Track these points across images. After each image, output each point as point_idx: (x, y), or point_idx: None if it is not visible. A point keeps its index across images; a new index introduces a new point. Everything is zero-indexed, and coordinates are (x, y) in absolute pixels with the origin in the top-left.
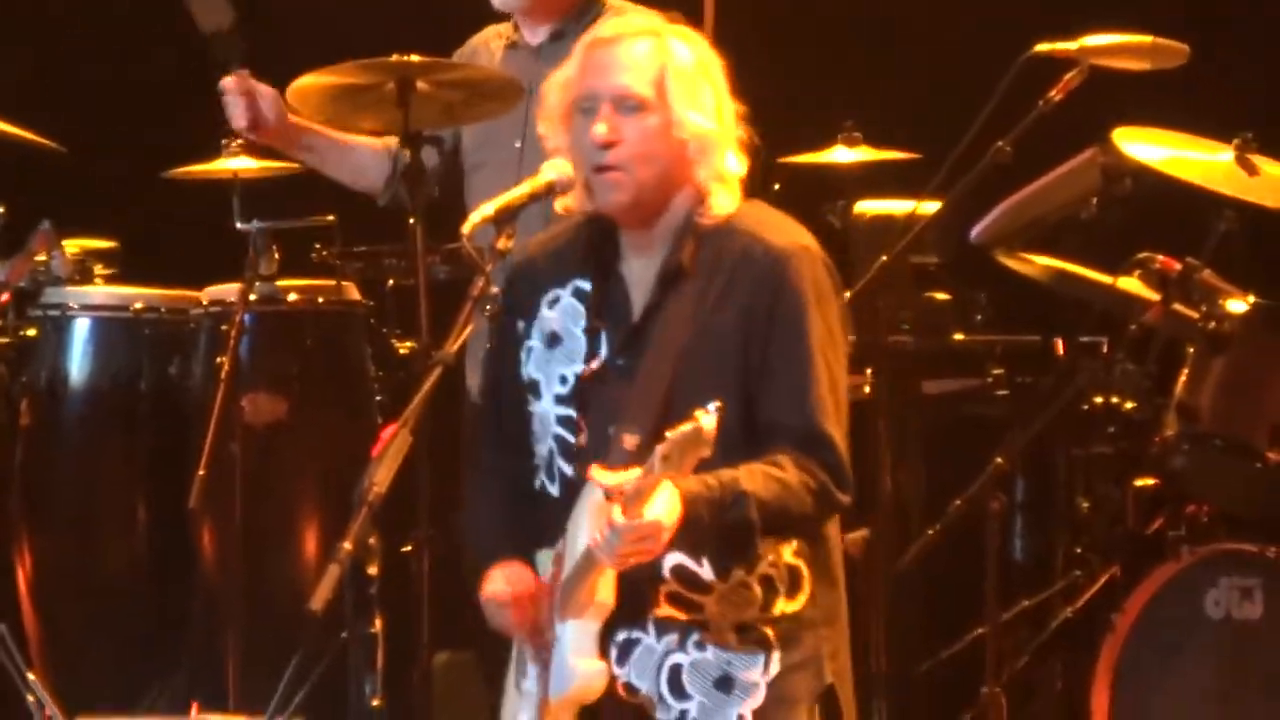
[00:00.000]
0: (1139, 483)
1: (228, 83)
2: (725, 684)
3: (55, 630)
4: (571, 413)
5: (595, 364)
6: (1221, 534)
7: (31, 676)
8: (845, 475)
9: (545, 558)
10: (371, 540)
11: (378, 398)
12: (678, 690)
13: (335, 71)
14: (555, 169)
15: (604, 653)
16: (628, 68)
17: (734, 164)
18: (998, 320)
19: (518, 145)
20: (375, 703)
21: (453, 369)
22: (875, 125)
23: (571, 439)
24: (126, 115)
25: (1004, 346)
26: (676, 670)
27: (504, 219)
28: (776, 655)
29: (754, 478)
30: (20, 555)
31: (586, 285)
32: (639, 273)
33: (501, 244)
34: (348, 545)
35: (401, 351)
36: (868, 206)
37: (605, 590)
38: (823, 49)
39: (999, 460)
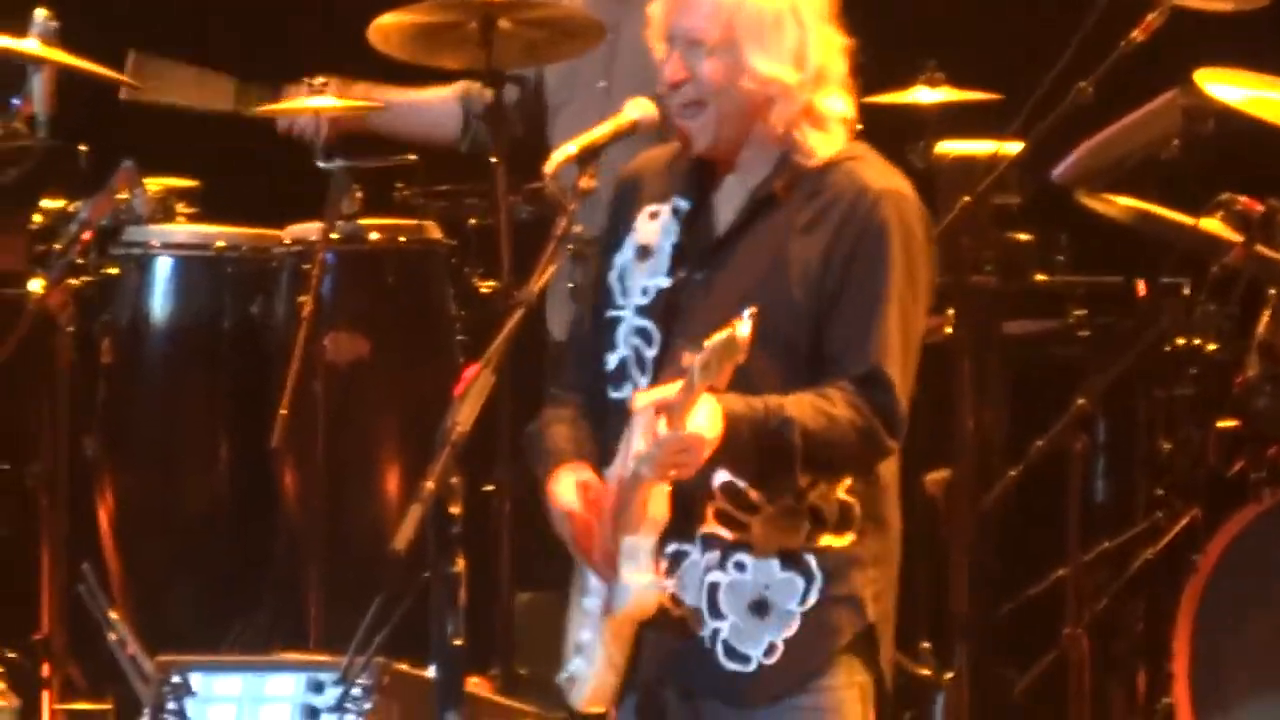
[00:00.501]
0: (1220, 424)
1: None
2: (760, 608)
3: (137, 569)
4: (648, 324)
5: (676, 278)
6: None
7: (113, 614)
8: (896, 419)
9: (610, 473)
10: (454, 480)
11: (459, 337)
12: (714, 608)
13: (416, 10)
14: (639, 108)
15: (657, 563)
16: (699, 7)
17: (832, 104)
18: (1079, 261)
19: (602, 85)
20: (457, 642)
21: (535, 309)
22: (957, 65)
23: (645, 350)
24: (209, 53)
25: (1086, 287)
26: (714, 588)
27: (587, 158)
28: (817, 586)
29: (801, 405)
30: (102, 494)
31: (682, 203)
32: (733, 194)
33: (585, 183)
34: (430, 484)
35: (483, 291)
36: (950, 147)
37: (658, 505)
38: None
39: (1081, 401)
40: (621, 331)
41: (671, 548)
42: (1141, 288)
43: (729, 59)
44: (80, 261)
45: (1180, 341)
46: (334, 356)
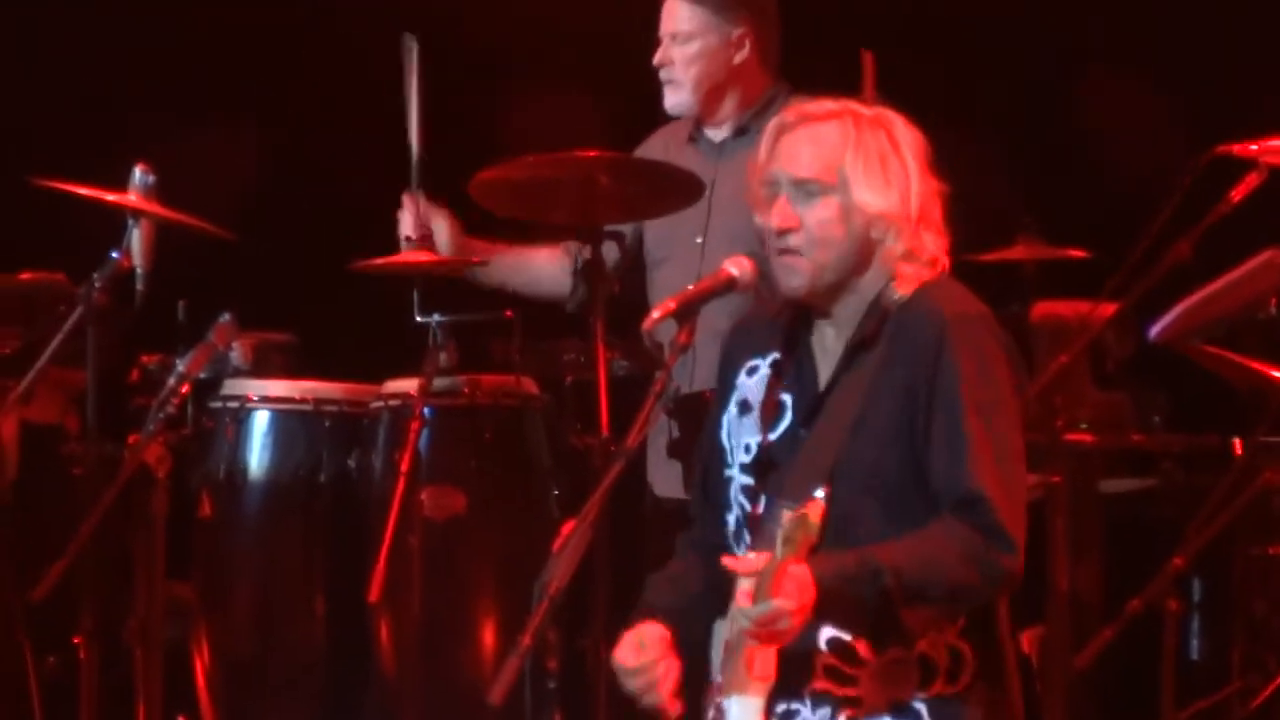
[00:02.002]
0: None
1: (405, 200)
2: None
3: None
4: (751, 482)
5: (776, 433)
6: None
7: None
8: (1004, 534)
9: (720, 627)
10: (550, 635)
11: (556, 493)
12: None
13: (517, 165)
14: (736, 265)
15: None
16: (807, 151)
17: (929, 242)
18: (1176, 421)
19: (699, 241)
20: None
21: (633, 464)
22: (1055, 223)
23: (750, 507)
24: (308, 208)
25: (1182, 446)
26: None
27: (685, 314)
28: None
29: (894, 549)
30: (199, 647)
31: (783, 358)
32: (829, 347)
33: (683, 339)
34: (527, 639)
35: (580, 447)
36: (1046, 306)
37: (765, 665)
38: (1005, 145)
39: (1177, 560)
40: (731, 490)
41: (781, 707)
42: (1238, 446)
43: (842, 198)
44: (178, 415)
45: (1277, 500)
46: (431, 512)
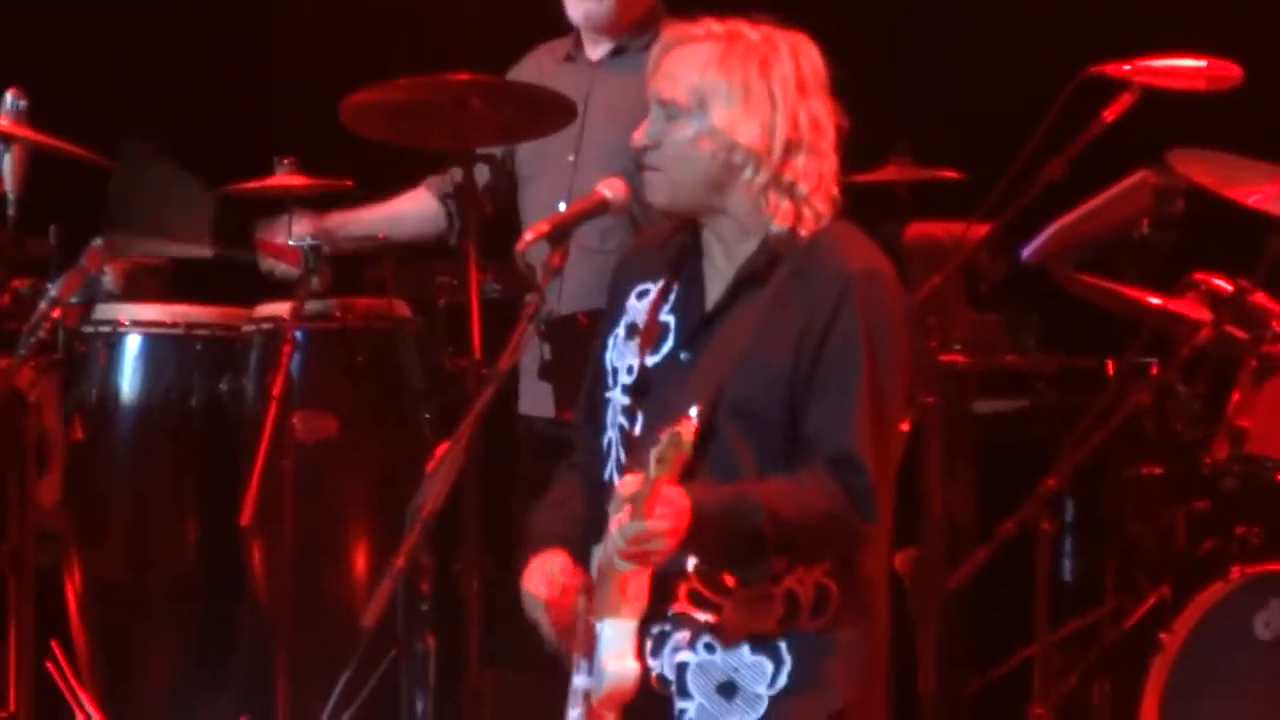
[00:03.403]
0: (1189, 505)
1: (261, 248)
2: (728, 690)
3: (105, 646)
4: (629, 402)
5: (658, 356)
6: (1272, 556)
7: (81, 694)
8: (870, 502)
9: (597, 551)
10: (424, 557)
11: (429, 415)
12: (682, 689)
13: (389, 89)
14: (610, 186)
15: (641, 646)
16: (673, 73)
17: (806, 169)
18: (1049, 341)
19: (571, 159)
20: None
21: (505, 387)
22: (928, 145)
23: (630, 428)
24: (181, 131)
25: (1055, 367)
26: (683, 668)
27: (558, 236)
28: (786, 670)
29: (772, 491)
30: (70, 571)
31: (673, 281)
32: (720, 271)
33: (555, 261)
34: (400, 561)
35: (453, 369)
36: (920, 227)
37: (637, 588)
38: (875, 68)
39: (1050, 481)
40: (610, 411)
41: (655, 629)
42: (1111, 367)
43: (696, 123)
44: (49, 340)
45: (1149, 422)
46: (303, 435)
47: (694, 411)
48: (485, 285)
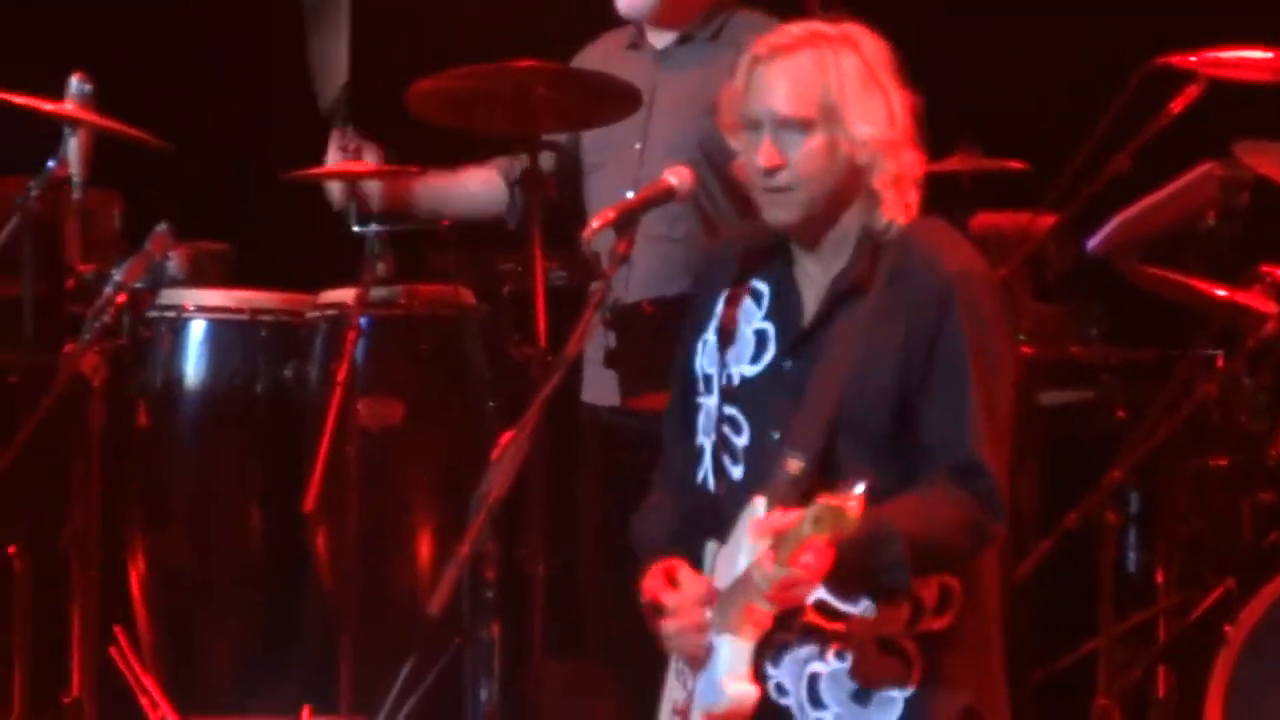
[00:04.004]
0: (1254, 496)
1: (334, 138)
2: (862, 697)
3: (169, 632)
4: (735, 412)
5: (761, 365)
6: None
7: (145, 679)
8: (999, 505)
9: (711, 549)
10: (488, 545)
11: (493, 403)
12: (815, 699)
13: (454, 76)
14: (676, 174)
15: (759, 662)
16: (790, 88)
17: (910, 163)
18: (1114, 334)
19: (638, 147)
20: (491, 708)
21: (569, 375)
22: (993, 136)
23: (734, 438)
24: (245, 117)
25: (1120, 359)
26: (815, 679)
27: (624, 223)
28: (919, 670)
29: (904, 515)
30: (134, 557)
31: (762, 285)
32: (813, 277)
33: (621, 248)
34: (465, 549)
35: (518, 357)
36: (985, 217)
37: (763, 615)
38: (940, 58)
39: (1114, 473)
40: (707, 418)
41: (776, 638)
42: (1176, 360)
43: (829, 132)
44: (114, 324)
45: (1215, 414)
46: (367, 421)
47: (860, 488)
48: (551, 273)
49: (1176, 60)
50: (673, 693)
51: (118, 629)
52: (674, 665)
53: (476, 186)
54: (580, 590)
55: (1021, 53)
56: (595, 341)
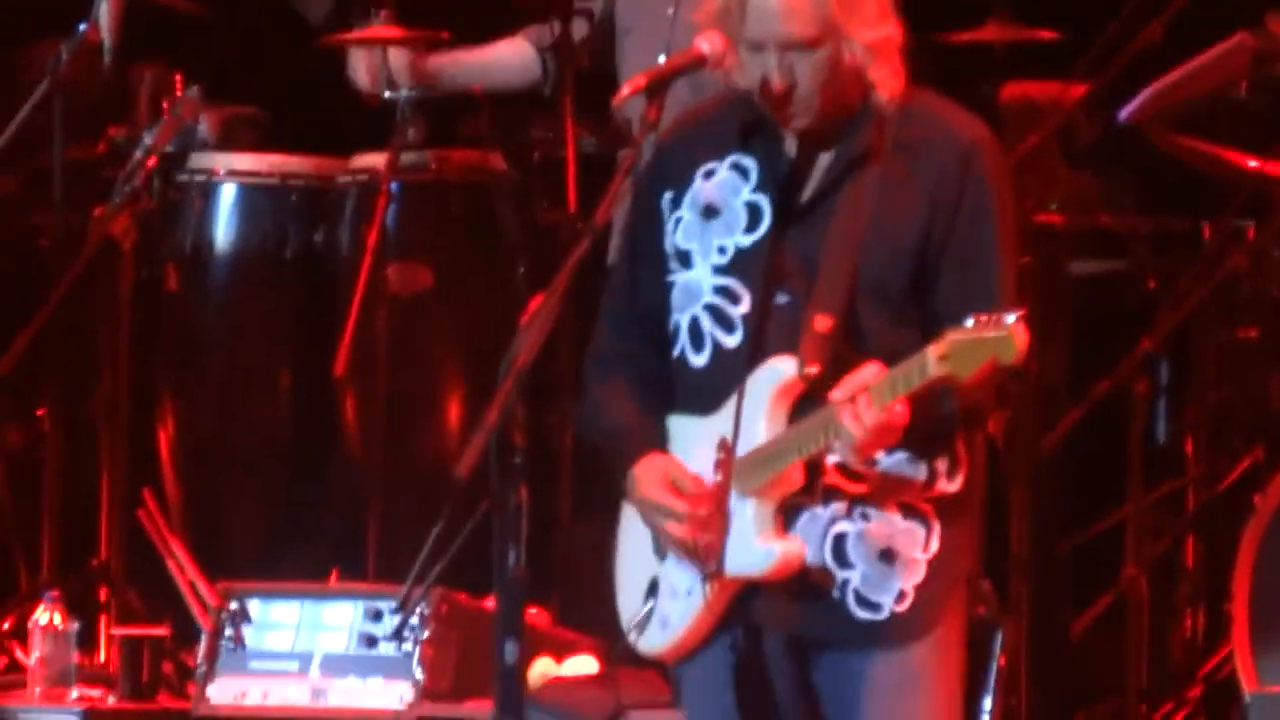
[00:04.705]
0: None
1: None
2: (889, 556)
3: (197, 495)
4: (730, 282)
5: (757, 234)
6: None
7: (173, 540)
8: (1021, 366)
9: (680, 424)
10: (518, 410)
11: (523, 269)
12: (841, 559)
13: None
14: (708, 40)
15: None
16: (791, 11)
17: (894, 35)
18: (1145, 203)
19: (670, 11)
20: (519, 572)
21: (600, 240)
22: (1024, 4)
23: (729, 308)
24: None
25: (1151, 228)
26: (841, 539)
27: (655, 90)
28: (936, 533)
29: None
30: (164, 420)
31: (746, 159)
32: (807, 150)
33: (653, 115)
34: (494, 413)
35: (549, 223)
36: (1016, 86)
37: (797, 470)
38: None
39: (1144, 343)
40: (693, 291)
41: (789, 503)
42: (1207, 231)
43: (834, 45)
44: (144, 188)
45: (1245, 285)
46: (397, 287)
47: (1013, 316)
48: (581, 139)
49: None
50: (643, 567)
51: (146, 492)
52: (636, 540)
53: (508, 57)
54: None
55: None
56: (625, 207)
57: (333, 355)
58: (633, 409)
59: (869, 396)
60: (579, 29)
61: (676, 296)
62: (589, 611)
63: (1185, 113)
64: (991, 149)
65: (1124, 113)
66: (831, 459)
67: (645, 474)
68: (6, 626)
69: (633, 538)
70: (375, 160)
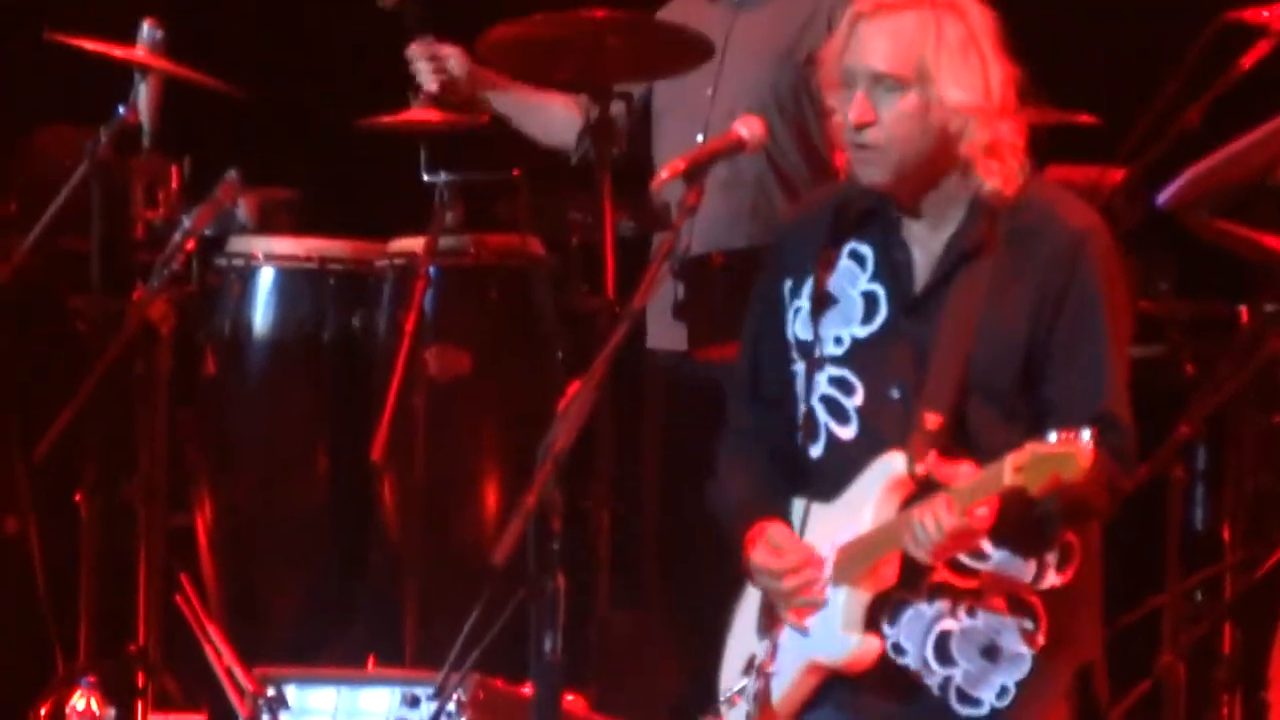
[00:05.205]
0: None
1: (413, 50)
2: (992, 653)
3: (235, 580)
4: (846, 374)
5: (873, 326)
6: None
7: (210, 626)
8: (1132, 461)
9: (800, 507)
10: (555, 495)
11: (561, 354)
12: (944, 656)
13: (527, 23)
14: (746, 125)
15: (874, 616)
16: (886, 44)
17: (1008, 134)
18: (1184, 288)
19: (709, 93)
20: (556, 658)
21: (637, 325)
22: (1063, 88)
23: (844, 400)
24: (315, 65)
25: (1189, 314)
26: (945, 636)
27: (694, 174)
28: (1044, 627)
29: None
30: (201, 505)
31: (863, 248)
32: (922, 240)
33: (691, 199)
34: (531, 499)
35: (586, 308)
36: (1056, 171)
37: (892, 567)
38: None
39: (1182, 428)
40: (804, 383)
41: (895, 597)
42: (1245, 314)
43: (923, 94)
44: (182, 272)
45: None
46: (435, 371)
47: (1087, 434)
48: (619, 223)
49: (1248, 15)
50: (745, 646)
51: (183, 577)
52: (746, 619)
53: (557, 110)
54: (643, 541)
55: (1094, 6)
56: (663, 292)
57: (370, 439)
58: (753, 483)
59: (949, 500)
60: (618, 112)
61: (798, 386)
62: (625, 698)
63: (1224, 197)
64: (1100, 236)
65: (1162, 198)
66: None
67: (754, 539)
68: (44, 713)
69: (745, 614)
70: (413, 244)
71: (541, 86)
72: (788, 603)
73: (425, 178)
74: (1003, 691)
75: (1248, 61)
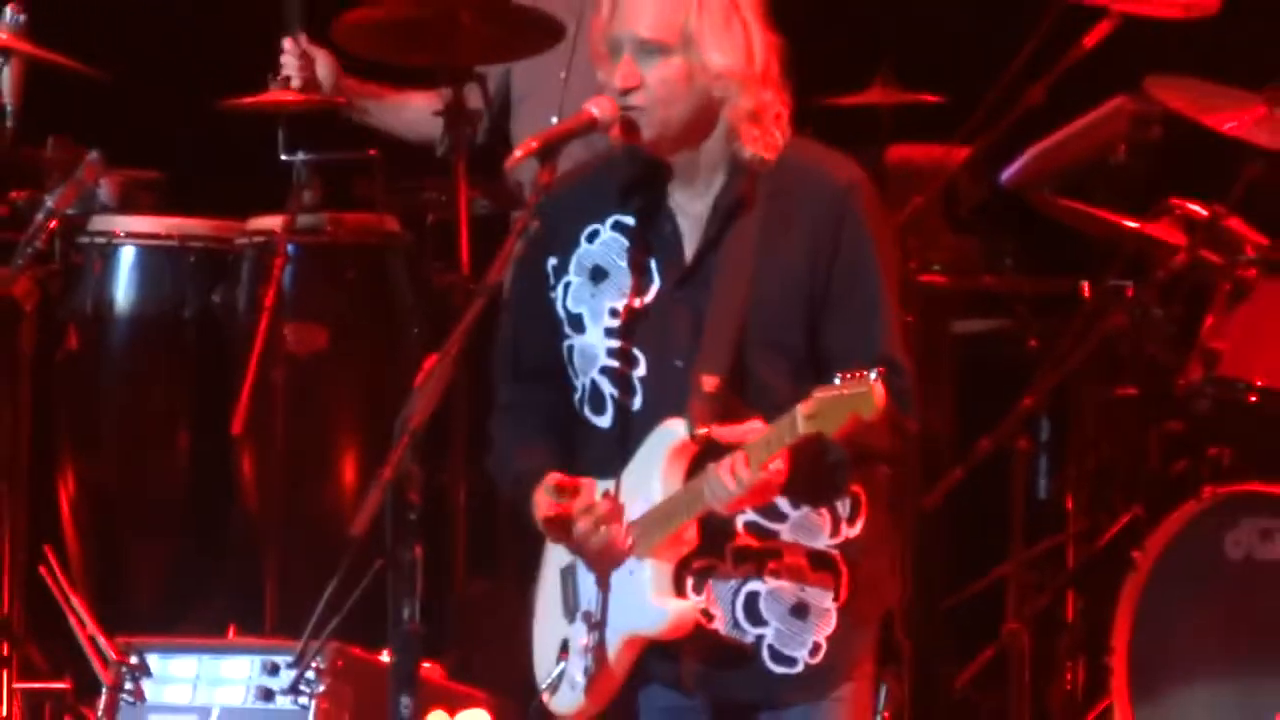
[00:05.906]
0: (1162, 426)
1: (287, 44)
2: (800, 610)
3: (97, 553)
4: (625, 345)
5: (648, 296)
6: (1243, 476)
7: (73, 596)
8: (915, 403)
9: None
10: (412, 468)
11: (417, 330)
12: (754, 618)
13: (381, 6)
14: (598, 105)
15: (680, 584)
16: (651, 12)
17: (770, 99)
18: (1026, 264)
19: (562, 76)
20: (414, 627)
21: (493, 301)
22: (910, 68)
23: (628, 370)
24: (175, 46)
25: (1032, 289)
26: (753, 597)
27: (547, 153)
28: (844, 580)
29: None
30: (64, 479)
31: (627, 219)
32: (686, 207)
33: (545, 177)
34: (388, 472)
35: (442, 284)
36: (901, 149)
37: (691, 534)
38: None
39: (1026, 401)
40: (589, 354)
41: (698, 564)
42: (1087, 289)
43: (685, 58)
44: (45, 250)
45: (1124, 344)
46: (294, 346)
47: (874, 373)
48: (474, 202)
49: None
50: (555, 631)
51: (47, 548)
52: (548, 604)
53: (420, 107)
54: (497, 512)
55: None
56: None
57: (230, 413)
58: (529, 450)
59: (745, 456)
60: (472, 94)
61: (576, 360)
62: (482, 666)
63: (1065, 175)
64: (865, 188)
65: (1005, 176)
66: (739, 521)
67: (540, 497)
68: None
69: (547, 599)
70: (272, 222)
71: (402, 88)
72: (589, 546)
73: (283, 157)
74: (815, 648)
75: (1089, 41)
